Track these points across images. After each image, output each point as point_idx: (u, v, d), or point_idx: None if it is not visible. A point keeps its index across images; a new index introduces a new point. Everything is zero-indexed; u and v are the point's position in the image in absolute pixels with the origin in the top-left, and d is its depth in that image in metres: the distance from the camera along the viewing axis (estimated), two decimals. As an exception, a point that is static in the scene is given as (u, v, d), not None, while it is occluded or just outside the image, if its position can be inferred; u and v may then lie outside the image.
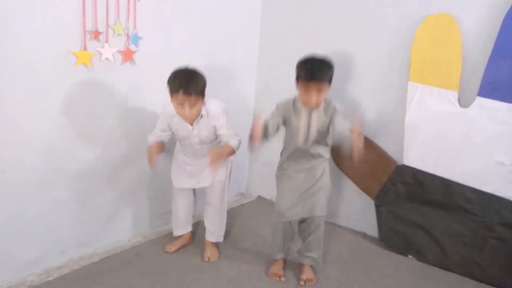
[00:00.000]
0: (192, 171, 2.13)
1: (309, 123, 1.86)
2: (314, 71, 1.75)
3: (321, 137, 1.90)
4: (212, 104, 1.97)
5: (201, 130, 1.97)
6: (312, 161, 1.94)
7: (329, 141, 1.95)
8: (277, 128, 1.91)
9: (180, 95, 1.77)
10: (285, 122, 1.92)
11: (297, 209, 1.98)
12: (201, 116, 1.94)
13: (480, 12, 2.03)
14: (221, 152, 1.92)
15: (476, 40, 2.06)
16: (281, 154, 2.06)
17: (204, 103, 1.93)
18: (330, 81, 1.81)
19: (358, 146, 1.63)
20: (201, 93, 1.83)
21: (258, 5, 2.87)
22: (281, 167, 2.04)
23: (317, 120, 1.86)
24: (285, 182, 2.00)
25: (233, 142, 1.97)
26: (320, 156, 1.94)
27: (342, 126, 1.79)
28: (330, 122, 1.85)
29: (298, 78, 1.82)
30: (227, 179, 2.20)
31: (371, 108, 2.46)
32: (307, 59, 1.82)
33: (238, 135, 2.00)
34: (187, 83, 1.76)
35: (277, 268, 2.10)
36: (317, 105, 1.82)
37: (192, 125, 1.95)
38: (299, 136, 1.89)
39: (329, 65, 1.80)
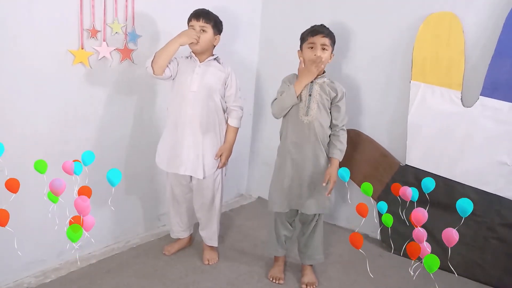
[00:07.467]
0: (180, 149, 1.99)
1: (310, 92, 1.87)
2: (318, 27, 1.89)
3: (323, 115, 1.88)
4: (229, 66, 2.07)
5: (206, 72, 1.98)
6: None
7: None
8: None
9: (192, 21, 1.97)
10: None
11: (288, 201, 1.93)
12: (214, 58, 2.02)
13: (482, 10, 2.02)
14: (228, 146, 2.07)
15: (479, 39, 2.05)
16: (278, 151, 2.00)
17: (214, 53, 2.04)
18: (333, 44, 1.89)
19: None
20: (211, 21, 1.96)
21: (258, 5, 2.86)
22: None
23: (319, 90, 1.87)
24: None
25: (234, 122, 2.09)
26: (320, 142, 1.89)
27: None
28: (332, 104, 1.89)
29: (302, 41, 1.91)
30: (219, 175, 2.10)
31: (374, 107, 2.45)
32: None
33: (242, 109, 2.13)
34: (198, 12, 1.99)
35: (276, 270, 2.08)
36: (321, 65, 1.83)
37: (201, 62, 1.99)
38: (300, 107, 1.87)
39: (331, 31, 1.91)
